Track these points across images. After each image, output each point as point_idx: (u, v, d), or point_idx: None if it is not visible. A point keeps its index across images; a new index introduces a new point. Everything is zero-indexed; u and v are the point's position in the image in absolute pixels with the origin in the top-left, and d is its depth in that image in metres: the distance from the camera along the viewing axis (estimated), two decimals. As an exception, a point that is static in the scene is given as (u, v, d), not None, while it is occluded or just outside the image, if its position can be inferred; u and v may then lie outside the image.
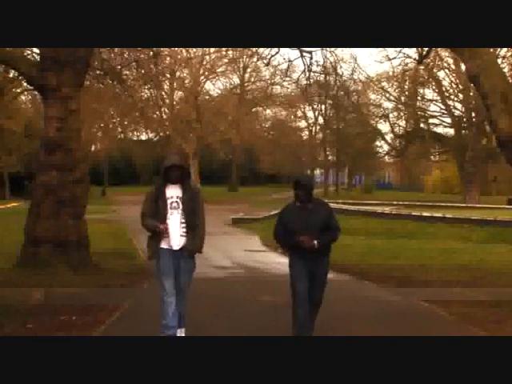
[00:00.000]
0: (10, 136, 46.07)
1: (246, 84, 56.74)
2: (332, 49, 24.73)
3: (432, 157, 55.89)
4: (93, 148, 57.28)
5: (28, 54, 20.00)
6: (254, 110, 58.66)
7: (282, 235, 6.83)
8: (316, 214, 6.69)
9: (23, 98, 46.86)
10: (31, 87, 18.69)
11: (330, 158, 62.39)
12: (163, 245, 6.62)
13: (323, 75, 43.35)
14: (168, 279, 6.56)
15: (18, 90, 37.42)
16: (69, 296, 9.66)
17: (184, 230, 6.58)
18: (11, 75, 29.88)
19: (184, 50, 44.36)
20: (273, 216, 28.70)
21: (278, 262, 14.74)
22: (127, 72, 23.99)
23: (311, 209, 6.71)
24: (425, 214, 23.80)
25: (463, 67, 22.93)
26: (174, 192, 6.61)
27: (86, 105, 26.69)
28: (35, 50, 19.32)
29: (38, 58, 15.33)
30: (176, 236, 6.58)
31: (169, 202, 6.57)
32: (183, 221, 6.58)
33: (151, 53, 21.52)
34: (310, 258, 6.64)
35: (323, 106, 59.96)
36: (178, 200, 6.58)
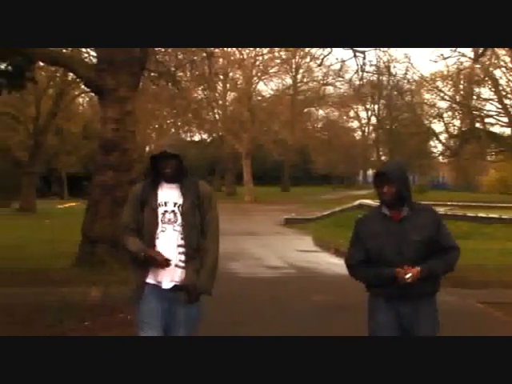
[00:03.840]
0: (68, 137, 47.32)
1: (298, 84, 56.70)
2: (385, 49, 24.66)
3: (488, 157, 54.84)
4: (147, 149, 58.14)
5: (85, 57, 20.48)
6: (306, 110, 58.66)
7: (360, 263, 4.26)
8: (415, 227, 4.17)
9: (81, 100, 48.08)
10: (88, 89, 19.10)
11: (383, 158, 61.92)
12: (150, 278, 4.33)
13: (376, 75, 43.22)
14: (149, 332, 4.24)
15: (76, 93, 38.32)
16: (124, 295, 9.82)
17: (183, 256, 4.22)
18: (70, 78, 30.65)
19: (237, 51, 44.76)
20: (326, 216, 28.66)
21: (331, 263, 14.72)
22: (181, 73, 24.39)
23: (407, 218, 4.20)
24: (480, 214, 23.40)
25: (521, 65, 22.51)
26: (169, 196, 4.27)
27: (141, 106, 27.21)
28: (92, 53, 19.78)
29: (94, 60, 15.67)
30: (169, 267, 4.20)
31: (160, 211, 4.23)
32: (182, 242, 4.21)
33: (204, 54, 21.83)
34: (403, 301, 4.20)
35: (376, 106, 59.80)
36: (176, 209, 4.23)
